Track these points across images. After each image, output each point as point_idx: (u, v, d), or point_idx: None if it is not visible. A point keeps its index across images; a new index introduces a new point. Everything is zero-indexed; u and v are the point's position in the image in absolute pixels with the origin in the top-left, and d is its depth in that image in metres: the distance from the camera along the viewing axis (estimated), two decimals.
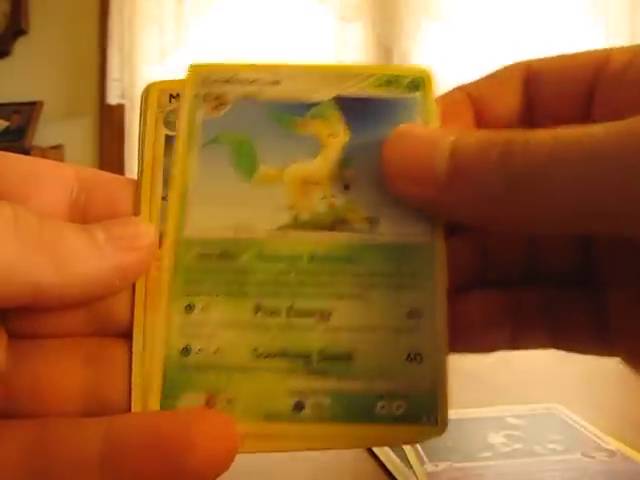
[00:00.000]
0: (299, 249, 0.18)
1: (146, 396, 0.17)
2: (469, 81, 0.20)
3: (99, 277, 0.16)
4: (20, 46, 1.98)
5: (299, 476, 0.31)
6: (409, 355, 0.17)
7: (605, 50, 0.19)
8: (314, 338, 0.17)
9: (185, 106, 0.19)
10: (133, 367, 0.17)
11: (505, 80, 0.20)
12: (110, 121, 1.90)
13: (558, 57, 0.20)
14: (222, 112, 0.19)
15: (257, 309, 0.17)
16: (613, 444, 0.32)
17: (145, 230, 0.17)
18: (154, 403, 0.17)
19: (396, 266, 0.18)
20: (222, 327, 0.17)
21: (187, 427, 0.15)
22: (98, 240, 0.16)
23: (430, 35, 1.76)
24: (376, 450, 0.32)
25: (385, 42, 1.78)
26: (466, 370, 0.44)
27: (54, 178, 0.18)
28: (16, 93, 1.89)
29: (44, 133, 1.87)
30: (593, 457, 0.31)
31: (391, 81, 0.19)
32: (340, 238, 0.18)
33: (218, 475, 0.15)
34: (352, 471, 0.31)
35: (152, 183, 0.18)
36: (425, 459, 0.31)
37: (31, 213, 0.15)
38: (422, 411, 0.17)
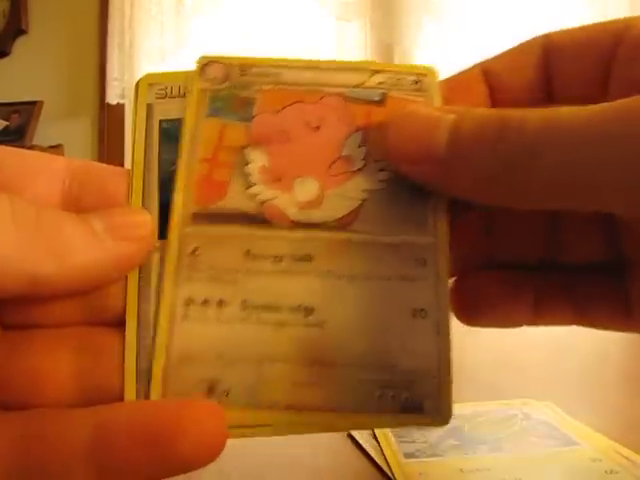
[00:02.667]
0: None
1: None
2: (487, 58, 0.21)
3: (97, 267, 0.16)
4: (20, 46, 1.97)
5: (295, 476, 0.31)
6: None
7: (624, 19, 0.19)
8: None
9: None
10: (125, 356, 0.17)
11: (523, 54, 0.20)
12: (110, 121, 1.90)
13: (577, 29, 0.20)
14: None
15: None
16: (604, 442, 0.32)
17: (143, 220, 0.17)
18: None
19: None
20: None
21: (175, 415, 0.15)
22: (96, 230, 0.16)
23: (430, 34, 1.76)
24: (373, 454, 0.32)
25: (385, 41, 1.77)
26: (461, 366, 0.44)
27: (46, 170, 0.18)
28: (16, 93, 1.89)
29: (44, 133, 1.87)
30: (583, 455, 0.31)
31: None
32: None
33: (207, 463, 0.15)
34: (351, 474, 0.31)
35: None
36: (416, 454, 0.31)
37: (28, 203, 0.15)
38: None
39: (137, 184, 0.18)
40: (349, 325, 0.17)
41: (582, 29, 0.20)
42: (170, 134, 0.19)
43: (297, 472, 0.31)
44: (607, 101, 0.19)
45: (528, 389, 0.40)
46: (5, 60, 1.97)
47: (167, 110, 0.20)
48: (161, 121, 0.19)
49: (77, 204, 0.17)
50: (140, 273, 0.18)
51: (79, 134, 1.94)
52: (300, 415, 0.16)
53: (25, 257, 0.15)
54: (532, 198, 0.16)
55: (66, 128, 1.93)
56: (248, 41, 1.79)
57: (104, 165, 0.19)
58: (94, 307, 0.17)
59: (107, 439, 0.15)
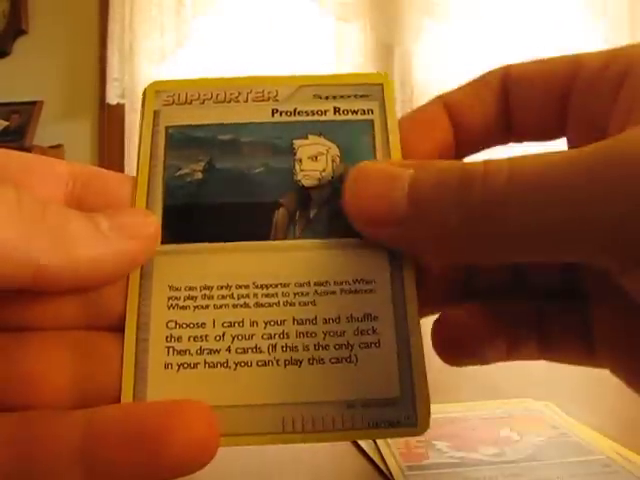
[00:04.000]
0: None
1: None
2: (448, 91, 0.21)
3: (102, 262, 0.16)
4: (20, 46, 1.98)
5: (295, 476, 0.31)
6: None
7: (577, 56, 0.19)
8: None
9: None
10: (124, 358, 0.17)
11: (482, 87, 0.20)
12: (110, 121, 1.90)
13: (534, 62, 0.20)
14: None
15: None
16: (603, 443, 0.32)
17: (148, 219, 0.17)
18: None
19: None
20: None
21: (164, 417, 0.14)
22: (102, 227, 0.16)
23: (430, 35, 1.76)
24: (372, 453, 0.32)
25: (385, 42, 1.77)
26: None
27: (49, 172, 0.18)
28: (16, 93, 1.89)
29: (44, 133, 1.87)
30: (582, 455, 0.31)
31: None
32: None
33: (198, 468, 0.14)
34: (350, 474, 0.31)
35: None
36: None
37: (34, 197, 0.15)
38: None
39: (141, 188, 0.19)
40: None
41: (540, 62, 0.20)
42: (176, 140, 0.20)
43: (297, 472, 0.31)
44: (565, 134, 0.20)
45: (527, 389, 0.40)
46: (5, 60, 1.97)
47: (173, 117, 0.20)
48: (167, 127, 0.20)
49: (80, 206, 0.17)
50: (141, 279, 0.18)
51: (79, 134, 1.94)
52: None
53: (31, 247, 0.14)
54: (500, 252, 0.16)
55: (66, 128, 1.93)
56: (248, 42, 1.79)
57: (105, 170, 0.19)
58: (93, 310, 0.17)
59: (97, 441, 0.14)
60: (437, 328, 0.21)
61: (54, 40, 1.95)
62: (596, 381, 0.43)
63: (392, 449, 0.32)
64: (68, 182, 0.18)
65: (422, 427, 0.16)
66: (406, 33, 1.76)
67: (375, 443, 0.33)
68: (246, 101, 0.20)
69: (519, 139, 0.21)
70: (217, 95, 0.20)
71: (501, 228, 0.15)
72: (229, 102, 0.20)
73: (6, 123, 1.85)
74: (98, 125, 1.94)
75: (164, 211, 0.19)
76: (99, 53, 1.91)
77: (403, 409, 0.16)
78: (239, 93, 0.20)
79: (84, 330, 0.17)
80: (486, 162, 0.16)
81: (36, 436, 0.15)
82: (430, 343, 0.20)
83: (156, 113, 0.20)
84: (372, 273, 0.18)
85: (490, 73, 0.20)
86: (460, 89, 0.21)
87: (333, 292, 0.18)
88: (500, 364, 0.22)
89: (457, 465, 0.30)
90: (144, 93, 0.20)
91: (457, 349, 0.21)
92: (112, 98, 1.84)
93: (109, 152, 1.90)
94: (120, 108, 1.86)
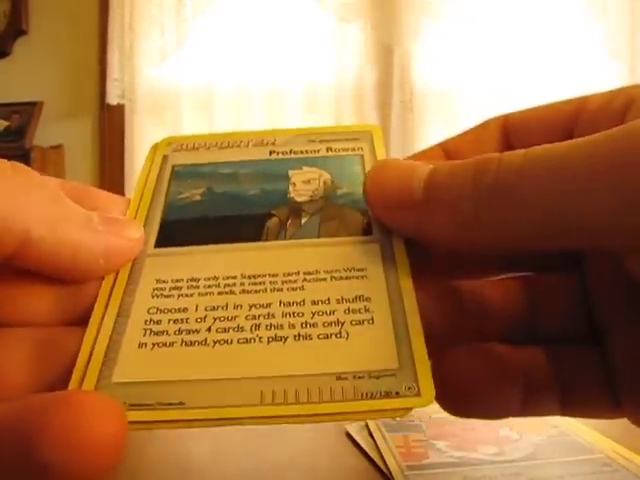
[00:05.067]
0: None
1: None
2: (447, 137, 0.21)
3: (88, 249, 0.16)
4: (20, 46, 1.97)
5: (295, 475, 0.31)
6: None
7: (581, 97, 0.20)
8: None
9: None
10: (79, 357, 0.16)
11: (482, 134, 0.21)
12: (110, 121, 1.90)
13: (534, 108, 0.21)
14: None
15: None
16: (603, 443, 0.32)
17: (136, 226, 0.19)
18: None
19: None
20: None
21: (41, 414, 0.12)
22: (93, 219, 0.17)
23: (430, 35, 1.76)
24: (370, 452, 0.32)
25: (385, 42, 1.77)
26: None
27: (41, 186, 0.18)
28: (16, 93, 1.89)
29: (44, 133, 1.87)
30: (582, 454, 0.31)
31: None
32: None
33: (92, 474, 0.12)
34: (349, 472, 0.31)
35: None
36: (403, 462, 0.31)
37: (32, 171, 0.16)
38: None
39: (142, 209, 0.20)
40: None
41: (539, 108, 0.20)
42: (180, 174, 0.22)
43: (296, 472, 0.31)
44: None
45: None
46: (5, 60, 1.97)
47: (180, 158, 0.23)
48: (174, 166, 0.22)
49: None
50: (130, 273, 0.18)
51: (79, 134, 1.94)
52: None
53: (23, 216, 0.15)
54: (514, 238, 0.16)
55: (66, 128, 1.93)
56: (248, 42, 1.79)
57: (96, 189, 0.20)
58: (67, 306, 0.17)
59: None
60: (437, 373, 0.18)
61: (54, 40, 1.95)
62: None
63: (392, 448, 0.32)
64: None
65: (426, 397, 0.15)
66: (406, 33, 1.76)
67: (375, 442, 0.33)
68: (247, 146, 0.23)
69: None
70: (221, 143, 0.23)
71: (517, 211, 0.15)
72: (232, 147, 0.23)
73: (7, 123, 1.85)
74: (98, 125, 1.94)
75: (161, 223, 0.20)
76: (99, 53, 1.90)
77: (403, 380, 0.15)
78: (241, 141, 0.23)
79: (56, 326, 0.17)
80: (503, 153, 0.16)
81: None
82: None
83: (165, 157, 0.23)
84: (364, 263, 0.18)
85: (490, 120, 0.21)
86: (460, 135, 0.21)
87: (323, 279, 0.18)
88: None
89: (457, 465, 0.30)
90: (155, 145, 0.23)
91: (461, 396, 0.19)
92: (112, 98, 1.84)
93: (109, 152, 1.90)
94: (120, 108, 1.86)
